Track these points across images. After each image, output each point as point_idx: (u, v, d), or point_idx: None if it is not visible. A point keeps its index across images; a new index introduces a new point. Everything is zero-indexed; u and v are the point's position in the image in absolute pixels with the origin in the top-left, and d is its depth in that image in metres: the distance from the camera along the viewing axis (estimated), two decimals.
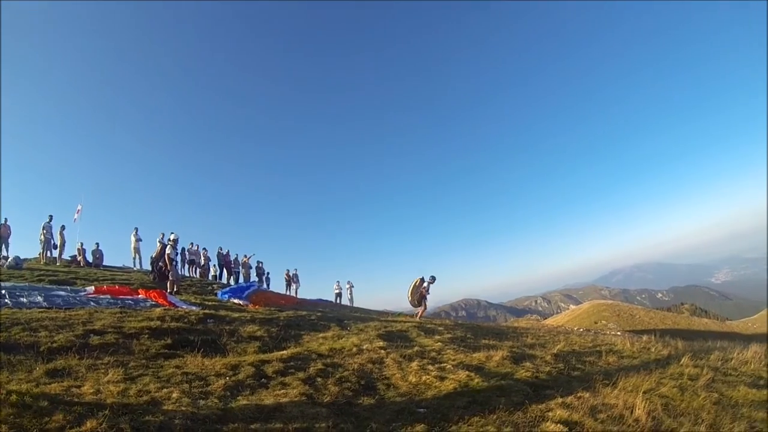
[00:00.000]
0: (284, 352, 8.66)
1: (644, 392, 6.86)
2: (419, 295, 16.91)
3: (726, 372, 8.60)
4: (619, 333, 24.35)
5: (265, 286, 26.85)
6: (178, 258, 20.98)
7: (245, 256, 26.81)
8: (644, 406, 6.04)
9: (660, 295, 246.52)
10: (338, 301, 28.07)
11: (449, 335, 12.42)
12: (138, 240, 22.88)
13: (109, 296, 12.63)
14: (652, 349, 11.28)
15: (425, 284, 16.89)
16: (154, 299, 12.91)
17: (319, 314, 15.22)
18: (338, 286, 28.94)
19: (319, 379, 6.98)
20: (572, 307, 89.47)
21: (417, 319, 16.44)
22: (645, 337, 14.50)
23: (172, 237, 16.59)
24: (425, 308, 17.41)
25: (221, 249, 26.18)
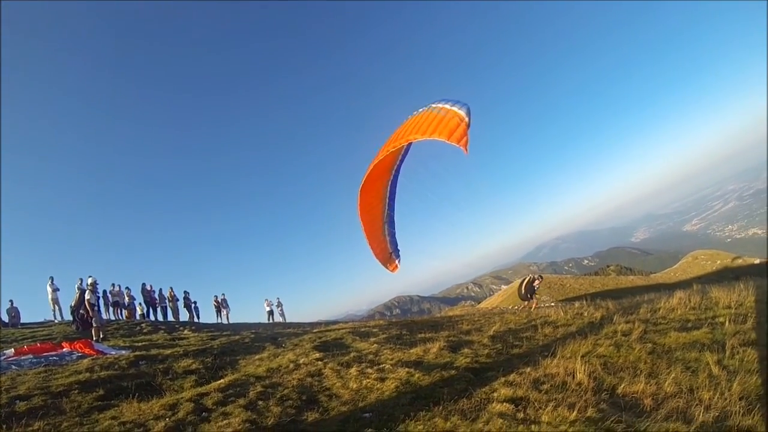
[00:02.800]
0: (222, 381, 9.67)
1: (583, 356, 8.83)
2: (531, 290, 22.46)
3: (656, 322, 11.08)
4: (552, 304, 28.93)
5: (195, 317, 31.24)
6: (100, 302, 22.93)
7: (170, 290, 30.45)
8: (584, 369, 7.82)
9: (586, 261, 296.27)
10: (270, 320, 33.42)
11: (384, 335, 14.65)
12: (55, 290, 25.44)
13: (31, 356, 13.84)
14: (585, 314, 14.18)
15: (536, 282, 22.64)
16: (80, 350, 14.48)
17: (252, 336, 17.08)
18: (268, 303, 34.30)
19: (260, 403, 8.04)
20: (504, 287, 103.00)
21: (532, 310, 20.75)
22: (577, 304, 17.92)
23: (90, 281, 18.51)
24: (536, 301, 22.88)
25: (145, 285, 29.54)
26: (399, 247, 17.32)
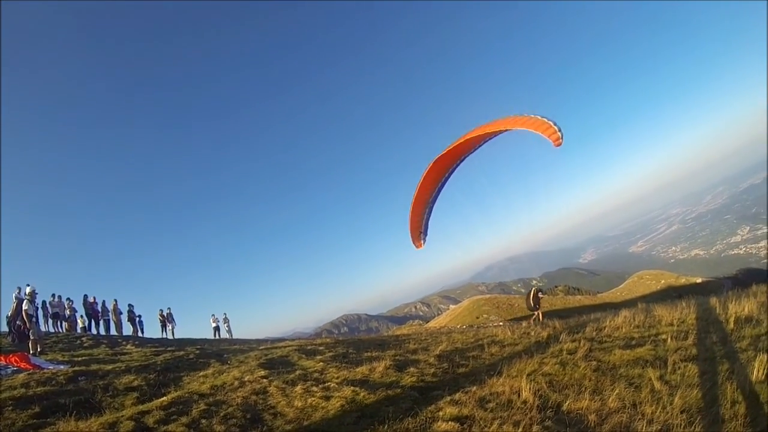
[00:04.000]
0: (164, 398, 9.46)
1: (529, 374, 9.07)
2: (537, 301, 24.98)
3: (601, 340, 11.52)
4: (501, 324, 29.95)
5: (139, 331, 30.93)
6: (39, 313, 22.90)
7: (114, 302, 29.97)
8: (530, 387, 8.07)
9: (534, 281, 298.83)
10: (217, 336, 34.07)
11: (331, 353, 14.74)
12: None
13: None
14: (532, 333, 14.60)
15: (540, 294, 25.71)
16: (15, 364, 13.92)
17: (197, 352, 16.69)
18: (215, 319, 34.99)
19: (203, 421, 7.92)
20: (452, 307, 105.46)
21: (541, 319, 22.90)
22: (524, 323, 18.67)
23: (28, 290, 17.82)
24: (540, 311, 24.81)
25: (87, 297, 29.04)
26: (428, 231, 20.05)
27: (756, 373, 6.91)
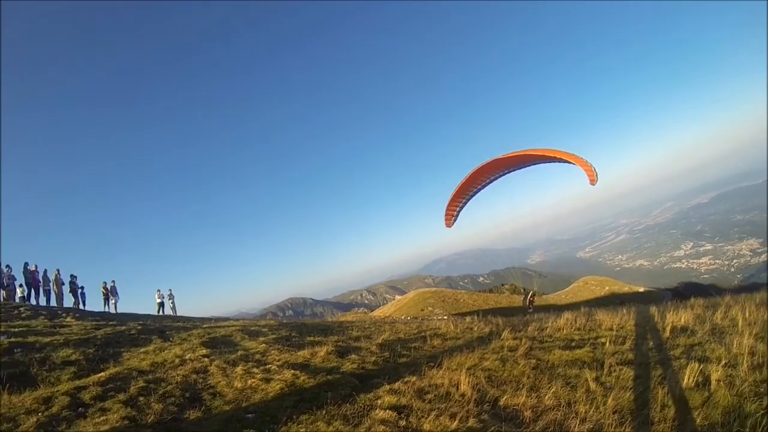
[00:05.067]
0: (102, 374, 9.33)
1: (468, 368, 9.36)
2: (531, 302, 30.55)
3: (542, 340, 11.95)
4: (445, 317, 30.80)
5: (81, 303, 30.18)
6: None
7: (56, 272, 29.21)
8: (469, 381, 8.34)
9: (482, 278, 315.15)
10: (161, 312, 33.72)
11: (274, 336, 14.85)
12: None
13: None
14: (475, 329, 14.98)
15: (532, 296, 31.92)
16: None
17: (139, 327, 16.43)
18: (160, 295, 34.69)
19: (141, 399, 7.89)
20: (398, 297, 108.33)
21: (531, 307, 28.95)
22: (468, 318, 18.98)
23: None
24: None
25: (28, 265, 28.15)
26: (459, 216, 24.93)
27: (686, 380, 7.36)
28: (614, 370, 8.54)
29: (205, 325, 18.87)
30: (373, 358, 11.19)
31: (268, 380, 9.09)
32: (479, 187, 23.87)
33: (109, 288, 32.00)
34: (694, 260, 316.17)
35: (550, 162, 20.85)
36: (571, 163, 19.72)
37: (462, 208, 24.78)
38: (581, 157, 19.41)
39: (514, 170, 22.66)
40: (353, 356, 11.25)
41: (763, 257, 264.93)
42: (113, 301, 32.01)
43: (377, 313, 69.47)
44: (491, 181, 23.62)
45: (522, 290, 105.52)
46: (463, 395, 7.95)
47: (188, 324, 20.11)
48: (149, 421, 7.05)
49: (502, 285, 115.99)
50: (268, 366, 10.29)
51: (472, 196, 24.35)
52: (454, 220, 25.05)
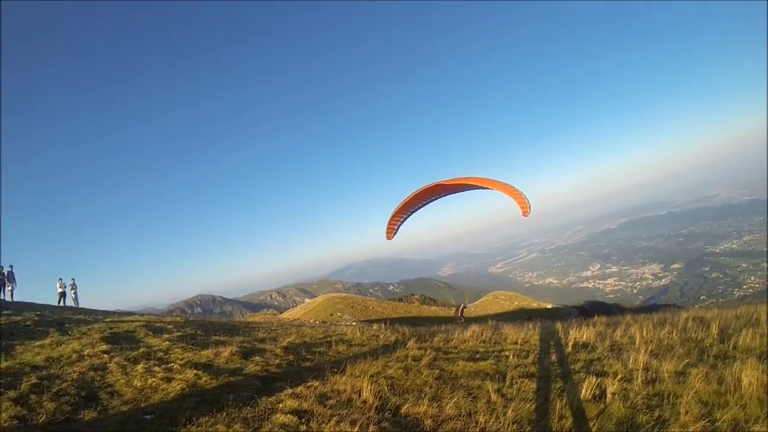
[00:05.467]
0: None
1: (372, 376, 9.39)
2: (462, 312, 35.83)
3: (447, 351, 12.17)
4: (354, 323, 31.19)
5: None
6: None
7: None
8: (371, 388, 8.36)
9: (392, 287, 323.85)
10: (62, 302, 32.37)
11: (179, 333, 14.44)
12: None
13: None
14: (381, 336, 15.12)
15: (463, 309, 37.96)
16: None
17: (36, 318, 15.86)
18: (62, 284, 33.20)
19: (33, 396, 7.41)
20: (307, 300, 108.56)
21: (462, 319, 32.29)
22: (375, 326, 19.14)
23: None
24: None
25: None
26: (399, 230, 26.72)
27: (584, 393, 7.67)
28: (516, 383, 8.76)
29: (107, 319, 18.16)
30: (278, 361, 11.13)
31: (169, 380, 8.84)
32: (420, 205, 25.74)
33: (5, 273, 30.20)
34: (601, 281, 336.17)
35: (487, 190, 22.70)
36: (506, 194, 21.69)
37: (402, 223, 26.42)
38: (516, 189, 21.22)
39: (454, 193, 24.74)
40: (257, 358, 11.16)
41: (664, 281, 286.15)
42: (9, 288, 30.42)
43: (286, 315, 69.71)
44: (432, 201, 25.68)
45: (432, 300, 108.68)
46: (365, 402, 7.95)
47: (90, 317, 19.31)
48: (41, 421, 6.67)
49: (412, 295, 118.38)
50: (170, 365, 10.02)
51: (412, 213, 26.11)
52: (395, 234, 26.68)
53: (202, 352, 11.35)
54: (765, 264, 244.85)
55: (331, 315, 61.87)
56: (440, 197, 25.30)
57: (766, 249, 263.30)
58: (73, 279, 33.82)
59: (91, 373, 9.18)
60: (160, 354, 11.16)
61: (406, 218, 26.52)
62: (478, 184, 22.33)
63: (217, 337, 14.46)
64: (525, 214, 21.87)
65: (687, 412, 6.67)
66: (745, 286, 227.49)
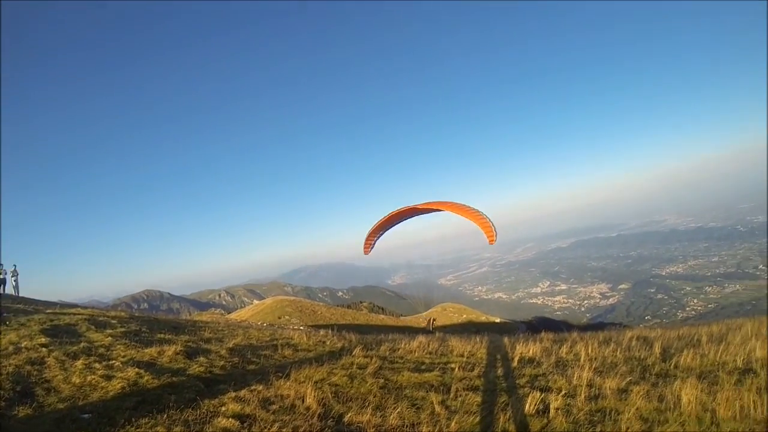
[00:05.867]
0: None
1: (316, 382, 9.46)
2: (431, 324, 38.69)
3: (393, 360, 12.28)
4: (301, 328, 31.14)
5: None
6: None
7: None
8: (315, 395, 8.40)
9: (341, 293, 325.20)
10: (1, 290, 31.27)
11: (123, 329, 14.24)
12: None
13: None
14: (328, 342, 15.15)
15: (432, 321, 42.05)
16: None
17: None
18: (2, 271, 31.78)
19: None
20: (256, 302, 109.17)
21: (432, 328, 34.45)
22: (322, 332, 19.10)
23: None
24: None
25: None
26: (375, 245, 27.97)
27: (528, 407, 7.84)
28: (461, 395, 8.91)
29: (48, 311, 17.78)
30: (222, 363, 11.06)
31: (109, 377, 8.67)
32: (395, 223, 27.27)
33: None
34: (550, 297, 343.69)
35: (457, 214, 23.58)
36: (473, 221, 22.84)
37: (378, 239, 28.09)
38: (483, 216, 22.32)
39: (426, 214, 25.92)
40: (202, 359, 11.07)
41: (611, 300, 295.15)
42: None
43: (234, 315, 70.20)
44: (405, 220, 27.22)
45: (381, 309, 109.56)
46: (308, 408, 7.98)
47: (30, 307, 18.97)
48: None
49: (361, 302, 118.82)
50: (111, 362, 9.84)
51: (387, 230, 27.76)
52: (371, 249, 28.23)
53: (146, 350, 11.19)
54: (707, 288, 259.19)
55: (279, 318, 62.12)
56: (413, 216, 26.50)
57: (709, 274, 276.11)
58: (15, 265, 32.65)
59: (28, 367, 8.99)
60: (101, 350, 10.95)
61: (382, 234, 28.02)
62: (449, 210, 23.29)
63: (162, 335, 14.24)
64: (491, 242, 22.78)
65: (628, 428, 6.92)
66: (688, 308, 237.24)
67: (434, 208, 24.05)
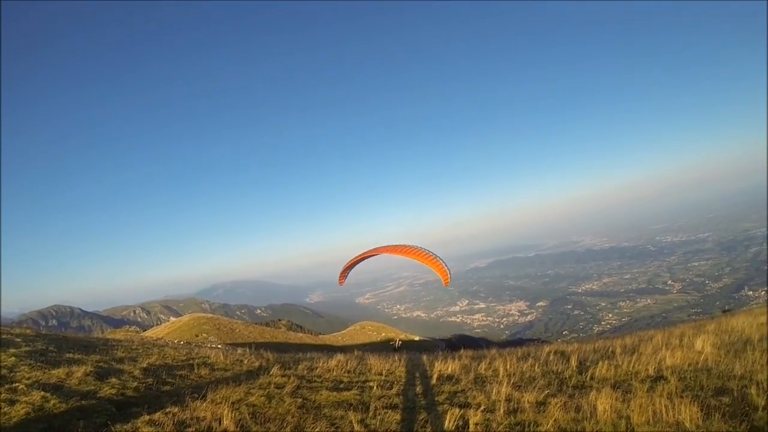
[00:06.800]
0: None
1: (233, 403, 9.26)
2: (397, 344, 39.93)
3: (311, 379, 12.21)
4: (219, 346, 30.44)
5: None
6: None
7: None
8: (232, 416, 8.25)
9: (259, 311, 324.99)
10: None
11: (28, 348, 13.23)
12: None
13: None
14: (245, 361, 14.86)
15: (399, 343, 41.78)
16: None
17: None
18: None
19: None
20: (173, 319, 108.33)
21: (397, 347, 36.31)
22: (240, 350, 18.73)
23: None
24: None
25: None
26: (348, 275, 31.32)
27: (447, 424, 8.02)
28: (380, 413, 8.96)
29: None
30: (136, 384, 10.53)
31: (12, 402, 8.08)
32: (366, 258, 29.94)
33: None
34: (468, 315, 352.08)
35: (415, 259, 27.14)
36: (429, 266, 26.30)
37: (351, 269, 31.35)
38: (438, 261, 25.90)
39: (390, 254, 28.69)
40: (114, 380, 10.48)
41: (529, 317, 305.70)
42: None
43: (149, 333, 67.68)
44: (374, 256, 29.94)
45: (299, 327, 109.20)
46: (225, 430, 7.85)
47: None
48: None
49: (279, 320, 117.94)
50: (15, 384, 9.15)
51: (357, 263, 30.90)
52: (343, 281, 31.90)
53: (53, 371, 10.51)
54: (621, 303, 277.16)
55: (197, 336, 61.02)
56: (380, 254, 29.16)
57: (622, 290, 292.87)
58: None
59: None
60: (3, 372, 10.23)
61: (353, 267, 31.10)
62: (408, 255, 26.59)
63: (71, 355, 13.40)
64: (446, 284, 26.89)
65: None
66: (603, 323, 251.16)
67: (396, 250, 26.97)
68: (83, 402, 8.58)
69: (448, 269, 25.93)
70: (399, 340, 44.94)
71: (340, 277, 31.35)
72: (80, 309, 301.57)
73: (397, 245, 26.90)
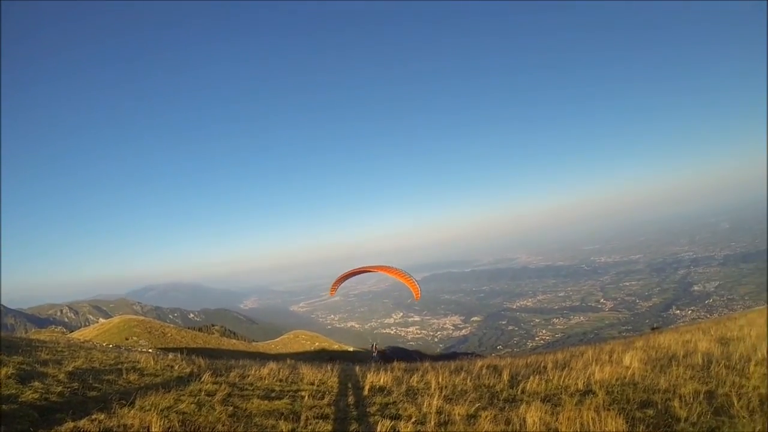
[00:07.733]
0: None
1: (162, 410, 9.11)
2: (375, 350, 41.66)
3: (243, 387, 12.15)
4: (150, 350, 29.41)
5: None
6: None
7: None
8: (161, 424, 8.17)
9: (192, 315, 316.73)
10: None
11: None
12: None
13: None
14: (176, 367, 14.59)
15: (377, 348, 43.10)
16: None
17: None
18: None
19: None
20: (102, 320, 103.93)
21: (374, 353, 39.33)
22: (171, 355, 18.32)
23: None
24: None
25: None
26: (340, 287, 34.69)
27: None
28: (311, 423, 9.05)
29: None
30: (60, 389, 10.17)
31: None
32: (357, 274, 33.29)
33: None
34: (403, 328, 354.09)
35: (391, 275, 31.75)
36: (402, 281, 31.11)
37: (342, 281, 34.08)
38: (410, 277, 31.00)
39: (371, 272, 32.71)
40: (37, 384, 10.11)
41: (464, 331, 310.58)
42: None
43: (77, 334, 64.76)
44: (364, 273, 33.38)
45: (233, 333, 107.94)
46: None
47: None
48: None
49: (213, 325, 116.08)
50: None
51: (346, 278, 33.90)
52: (333, 292, 35.20)
53: None
54: (555, 320, 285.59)
55: (127, 339, 59.48)
56: (357, 274, 33.23)
57: (556, 307, 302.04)
58: None
59: None
60: None
61: (341, 282, 34.10)
62: (385, 272, 31.45)
63: None
64: (417, 299, 32.57)
65: None
66: (537, 338, 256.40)
67: (376, 269, 31.56)
68: (3, 406, 8.31)
69: (417, 284, 30.66)
70: (376, 345, 45.44)
71: (331, 288, 34.36)
72: (3, 306, 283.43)
73: (381, 265, 31.61)
